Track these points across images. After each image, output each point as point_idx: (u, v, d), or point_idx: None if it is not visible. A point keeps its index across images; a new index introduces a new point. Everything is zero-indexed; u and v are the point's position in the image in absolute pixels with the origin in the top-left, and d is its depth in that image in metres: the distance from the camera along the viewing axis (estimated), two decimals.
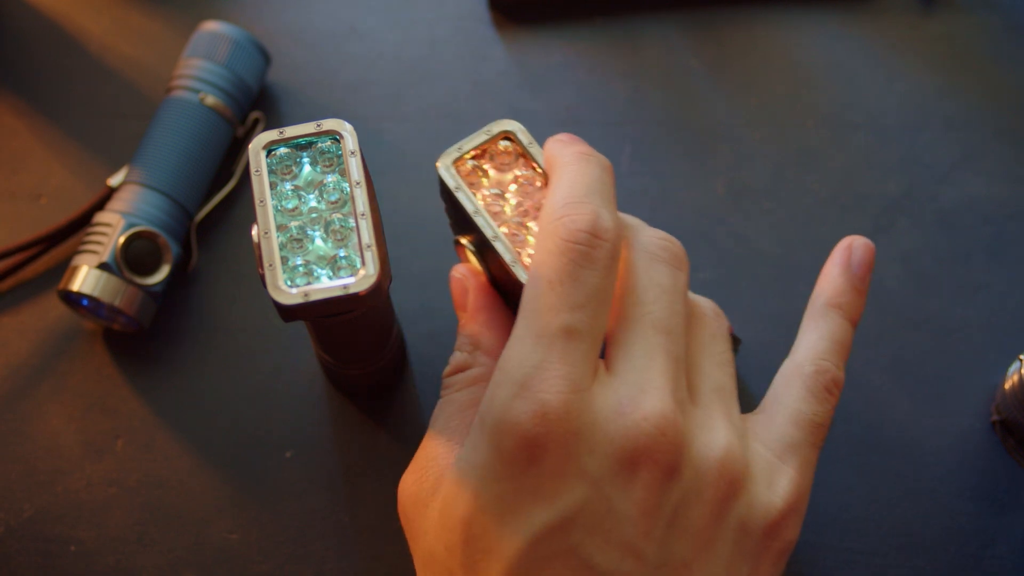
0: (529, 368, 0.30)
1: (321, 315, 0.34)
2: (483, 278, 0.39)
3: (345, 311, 0.34)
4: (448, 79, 0.58)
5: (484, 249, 0.41)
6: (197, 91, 0.53)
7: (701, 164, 0.55)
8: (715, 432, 0.34)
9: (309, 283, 0.33)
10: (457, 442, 0.34)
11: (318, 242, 0.34)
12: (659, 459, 0.31)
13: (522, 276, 0.40)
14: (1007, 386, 0.48)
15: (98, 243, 0.49)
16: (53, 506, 0.48)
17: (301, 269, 0.33)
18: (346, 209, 0.34)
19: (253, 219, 0.34)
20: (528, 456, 0.30)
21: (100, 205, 0.52)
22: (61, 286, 0.49)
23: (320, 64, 0.58)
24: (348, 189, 0.34)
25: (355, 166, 0.34)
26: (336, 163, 0.35)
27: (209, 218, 0.54)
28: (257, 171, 0.34)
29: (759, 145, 0.56)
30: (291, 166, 0.35)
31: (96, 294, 0.48)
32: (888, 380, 0.50)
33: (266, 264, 0.33)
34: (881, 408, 0.50)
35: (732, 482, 0.33)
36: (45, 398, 0.50)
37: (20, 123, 0.57)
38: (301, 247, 0.34)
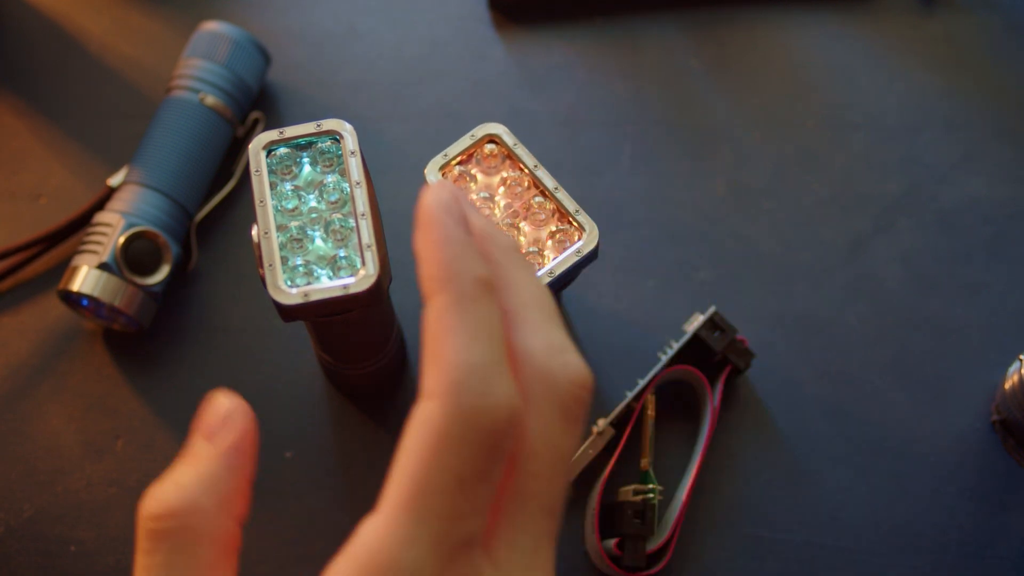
0: None
1: (321, 315, 0.34)
2: (251, 426, 0.31)
3: (345, 311, 0.34)
4: (448, 79, 0.58)
5: None
6: (197, 91, 0.53)
7: (701, 164, 0.55)
8: None
9: (309, 283, 0.33)
10: None
11: (318, 242, 0.34)
12: None
13: None
14: (1007, 386, 0.48)
15: (98, 243, 0.49)
16: (53, 506, 0.48)
17: (301, 269, 0.33)
18: (346, 209, 0.34)
19: (253, 219, 0.34)
20: None
21: (100, 205, 0.52)
22: (61, 286, 0.49)
23: (320, 64, 0.58)
24: (348, 189, 0.34)
25: (355, 166, 0.34)
26: (336, 163, 0.35)
27: (209, 218, 0.54)
28: (257, 171, 0.34)
29: (759, 145, 0.56)
30: (291, 166, 0.35)
31: (96, 294, 0.48)
32: (888, 380, 0.51)
33: (266, 264, 0.33)
34: (881, 408, 0.50)
35: None
36: (45, 398, 0.50)
37: (20, 123, 0.57)
38: (301, 247, 0.34)
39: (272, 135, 0.35)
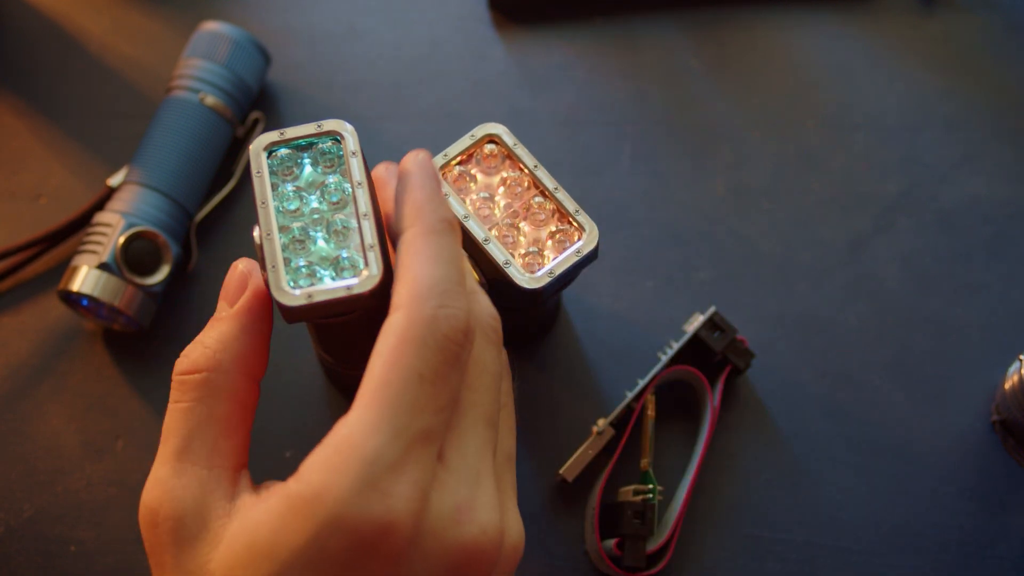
0: (383, 467, 0.28)
1: (324, 316, 0.34)
2: (263, 287, 0.35)
3: (348, 311, 0.34)
4: (448, 79, 0.58)
5: (478, 253, 0.41)
6: (197, 91, 0.53)
7: (701, 164, 0.55)
8: (511, 515, 0.33)
9: (312, 284, 0.33)
10: (216, 470, 0.31)
11: (320, 243, 0.34)
12: (483, 563, 0.30)
13: (517, 277, 0.40)
14: (1007, 386, 0.48)
15: (98, 243, 0.49)
16: (53, 506, 0.48)
17: (304, 270, 0.33)
18: (348, 210, 0.34)
19: (254, 220, 0.34)
20: (355, 557, 0.28)
21: (100, 205, 0.52)
22: (61, 286, 0.49)
23: (320, 64, 0.58)
24: (350, 190, 0.34)
25: (356, 167, 0.34)
26: (337, 164, 0.35)
27: (209, 218, 0.54)
28: (258, 172, 0.34)
29: (759, 145, 0.56)
30: (292, 167, 0.35)
31: (96, 294, 0.48)
32: (888, 380, 0.51)
33: (269, 266, 0.33)
34: (881, 408, 0.50)
35: (517, 553, 0.33)
36: (45, 398, 0.50)
37: (20, 123, 0.57)
38: (303, 248, 0.34)
39: (272, 136, 0.35)
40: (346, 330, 0.38)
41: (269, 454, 0.49)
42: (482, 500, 0.30)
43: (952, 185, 0.55)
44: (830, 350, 0.51)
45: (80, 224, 0.52)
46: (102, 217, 0.50)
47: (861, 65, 0.58)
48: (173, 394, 0.32)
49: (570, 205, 0.41)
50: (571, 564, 0.47)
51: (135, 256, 0.49)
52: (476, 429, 0.31)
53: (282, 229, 0.34)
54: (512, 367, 0.47)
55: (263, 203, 0.34)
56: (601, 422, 0.47)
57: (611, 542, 0.45)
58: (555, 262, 0.40)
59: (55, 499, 0.48)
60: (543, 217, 0.42)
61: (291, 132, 0.35)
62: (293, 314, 0.33)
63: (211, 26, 0.54)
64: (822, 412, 0.50)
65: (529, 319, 0.49)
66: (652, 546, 0.45)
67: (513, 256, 0.41)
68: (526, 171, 0.42)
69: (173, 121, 0.52)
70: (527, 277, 0.40)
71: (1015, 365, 0.48)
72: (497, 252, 0.40)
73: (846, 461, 0.49)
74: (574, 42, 0.59)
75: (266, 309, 0.34)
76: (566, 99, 0.57)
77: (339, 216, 0.34)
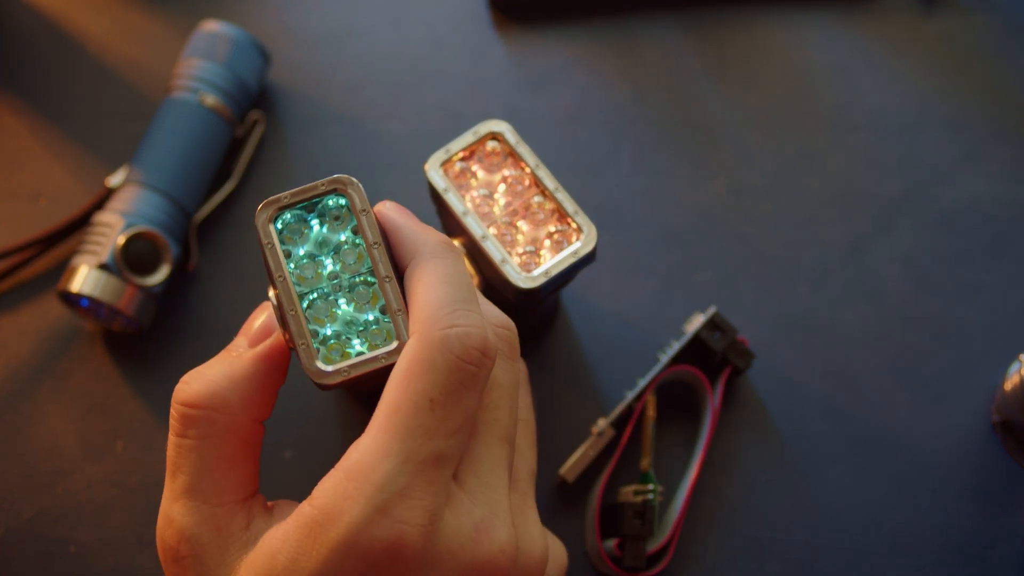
0: (393, 492, 0.28)
1: (358, 383, 0.33)
2: (280, 338, 0.34)
3: (382, 377, 0.32)
4: (448, 79, 0.58)
5: (475, 250, 0.41)
6: (196, 91, 0.53)
7: (701, 164, 0.55)
8: (533, 530, 0.34)
9: (343, 358, 0.32)
10: (228, 505, 0.32)
11: (342, 305, 0.32)
12: None
13: (512, 276, 0.40)
14: (1007, 386, 0.48)
15: (98, 243, 0.49)
16: (53, 507, 0.48)
17: (332, 341, 0.32)
18: (364, 267, 0.33)
19: (267, 281, 0.33)
20: None
21: (99, 205, 0.52)
22: (61, 287, 0.49)
23: (320, 64, 0.58)
24: (363, 244, 0.32)
25: (368, 225, 0.32)
26: (348, 219, 0.33)
27: (209, 218, 0.54)
28: (269, 243, 0.32)
29: (759, 145, 0.56)
30: (301, 228, 0.33)
31: (96, 294, 0.48)
32: (888, 380, 0.50)
33: (298, 343, 0.31)
34: (881, 408, 0.50)
35: (541, 568, 0.33)
36: (45, 399, 0.50)
37: (20, 123, 0.57)
38: (328, 314, 0.32)
39: (277, 200, 0.32)
40: (377, 382, 0.37)
41: (269, 454, 0.48)
42: (499, 520, 0.31)
43: (952, 185, 0.55)
44: (830, 350, 0.51)
45: (79, 224, 0.52)
46: (102, 217, 0.50)
47: (861, 65, 0.58)
48: (176, 425, 0.31)
49: (570, 206, 0.41)
50: (571, 564, 0.47)
51: (135, 256, 0.49)
52: (491, 449, 0.31)
53: (302, 297, 0.32)
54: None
55: (281, 278, 0.32)
56: (601, 422, 0.47)
57: (611, 542, 0.45)
58: (552, 262, 0.40)
59: (55, 500, 0.48)
60: (542, 217, 0.42)
61: (293, 195, 0.32)
62: (328, 388, 0.32)
63: (211, 26, 0.54)
64: (822, 412, 0.50)
65: (527, 319, 0.49)
66: (652, 546, 0.45)
67: (510, 255, 0.41)
68: (527, 170, 0.42)
69: (173, 121, 0.52)
70: (523, 276, 0.40)
71: (1015, 365, 0.48)
72: (494, 250, 0.40)
73: (846, 461, 0.49)
74: (574, 42, 0.59)
75: (285, 361, 0.34)
76: (566, 99, 0.57)
77: (359, 277, 0.33)
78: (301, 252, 0.33)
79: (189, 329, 0.52)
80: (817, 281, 0.53)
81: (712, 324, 0.48)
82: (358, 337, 0.32)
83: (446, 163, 0.42)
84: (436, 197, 0.41)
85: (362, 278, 0.33)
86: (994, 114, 0.57)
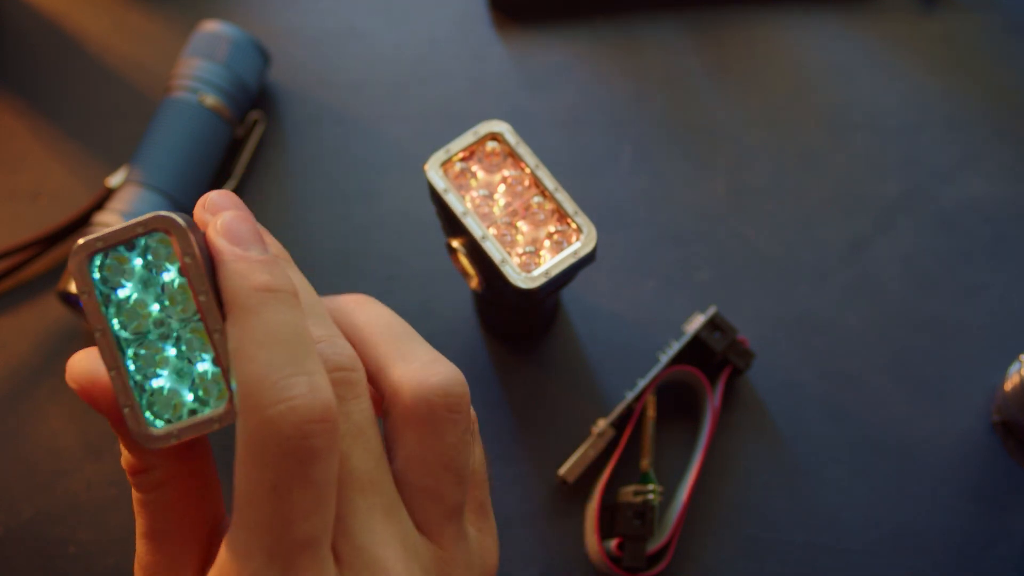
0: None
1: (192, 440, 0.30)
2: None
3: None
4: (448, 79, 0.58)
5: (474, 250, 0.41)
6: (196, 91, 0.53)
7: (701, 164, 0.55)
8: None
9: (175, 411, 0.29)
10: (188, 543, 0.30)
11: (170, 353, 0.29)
12: None
13: (512, 276, 0.40)
14: (1008, 386, 0.48)
15: None
16: (53, 507, 0.48)
17: (164, 392, 0.29)
18: (190, 310, 0.29)
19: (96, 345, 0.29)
20: None
21: (99, 205, 0.52)
22: (60, 287, 0.49)
23: (320, 64, 0.58)
24: (190, 292, 0.28)
25: (194, 272, 0.28)
26: (173, 260, 0.29)
27: None
28: (84, 292, 0.28)
29: (759, 145, 0.56)
30: (122, 268, 0.29)
31: None
32: (888, 380, 0.50)
33: (122, 405, 0.28)
34: (881, 408, 0.50)
35: None
36: (45, 399, 0.50)
37: (20, 123, 0.57)
38: (153, 365, 0.29)
39: (88, 246, 0.28)
40: None
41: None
42: None
43: (952, 185, 0.55)
44: (831, 350, 0.51)
45: (79, 224, 0.52)
46: (101, 217, 0.50)
47: (861, 65, 0.58)
48: (128, 476, 0.29)
49: (569, 206, 0.41)
50: (571, 564, 0.47)
51: None
52: (354, 505, 0.28)
53: (127, 343, 0.29)
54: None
55: (100, 331, 0.28)
56: (601, 422, 0.47)
57: (611, 542, 0.45)
58: (551, 263, 0.40)
59: (55, 500, 0.48)
60: (542, 217, 0.42)
61: (107, 239, 0.28)
62: (158, 449, 0.29)
63: (210, 26, 0.54)
64: (823, 413, 0.50)
65: (528, 318, 0.49)
66: (652, 547, 0.45)
67: (510, 255, 0.41)
68: (527, 170, 0.42)
69: (173, 121, 0.52)
70: (522, 276, 0.40)
71: (1015, 365, 0.48)
72: (494, 250, 0.40)
73: (846, 461, 0.49)
74: (574, 42, 0.59)
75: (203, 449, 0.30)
76: (566, 99, 0.57)
77: (185, 320, 0.29)
78: (123, 296, 0.29)
79: None
80: (817, 281, 0.53)
81: (712, 324, 0.48)
82: (191, 390, 0.29)
83: (446, 163, 0.42)
84: (436, 197, 0.41)
85: (192, 325, 0.28)
86: (994, 114, 0.57)
